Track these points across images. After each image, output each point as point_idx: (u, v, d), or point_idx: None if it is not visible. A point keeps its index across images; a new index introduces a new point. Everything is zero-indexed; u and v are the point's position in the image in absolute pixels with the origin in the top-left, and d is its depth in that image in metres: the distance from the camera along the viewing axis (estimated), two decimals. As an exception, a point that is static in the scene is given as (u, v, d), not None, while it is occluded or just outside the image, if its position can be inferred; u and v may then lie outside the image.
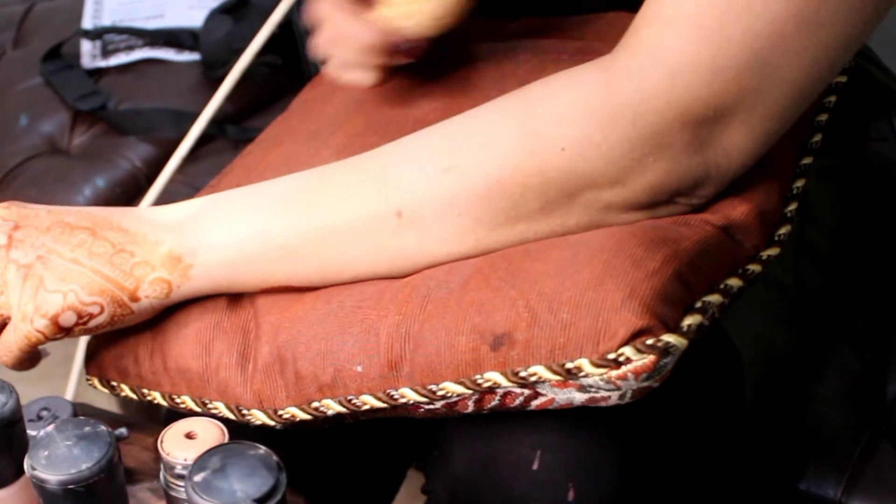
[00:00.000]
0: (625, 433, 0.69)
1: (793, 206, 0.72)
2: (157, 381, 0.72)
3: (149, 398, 0.73)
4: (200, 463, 0.53)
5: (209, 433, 0.61)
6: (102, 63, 1.49)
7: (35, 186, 1.39)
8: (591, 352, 0.59)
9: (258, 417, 0.68)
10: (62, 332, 0.68)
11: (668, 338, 0.59)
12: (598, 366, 0.59)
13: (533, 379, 0.61)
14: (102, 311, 0.68)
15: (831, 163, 0.90)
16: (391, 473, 0.95)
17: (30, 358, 0.70)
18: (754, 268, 0.67)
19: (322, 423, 0.69)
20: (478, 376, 0.62)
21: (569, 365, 0.60)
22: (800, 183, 0.73)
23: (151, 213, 0.71)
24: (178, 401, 0.72)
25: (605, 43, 0.69)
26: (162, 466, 0.60)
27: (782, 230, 0.70)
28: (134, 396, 0.74)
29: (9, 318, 0.69)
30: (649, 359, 0.58)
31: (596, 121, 0.63)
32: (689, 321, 0.61)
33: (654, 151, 0.63)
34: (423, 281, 0.66)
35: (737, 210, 0.67)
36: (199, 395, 0.70)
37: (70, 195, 1.38)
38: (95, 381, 0.75)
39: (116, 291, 0.67)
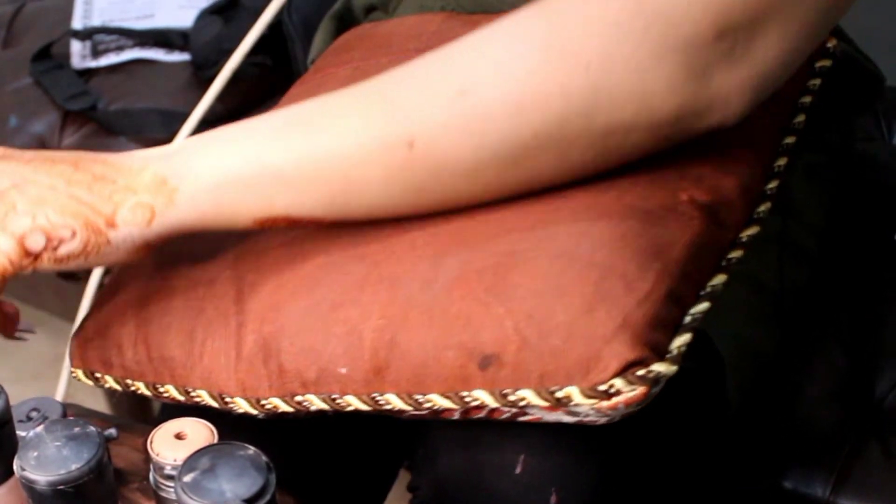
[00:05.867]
0: (608, 439, 0.68)
1: (774, 184, 0.70)
2: (140, 371, 0.71)
3: (133, 388, 0.72)
4: (190, 463, 0.53)
5: (199, 434, 0.61)
6: (92, 63, 1.49)
7: (25, 187, 1.39)
8: (581, 380, 0.58)
9: (241, 406, 0.68)
10: (29, 257, 0.64)
11: (659, 367, 0.58)
12: (588, 396, 0.58)
13: (522, 404, 0.60)
14: (74, 235, 0.64)
15: (817, 159, 0.90)
16: (382, 473, 0.95)
17: None
18: (736, 254, 0.66)
19: (305, 415, 0.68)
20: (465, 393, 0.61)
21: (558, 394, 0.59)
22: (782, 161, 0.71)
23: (137, 151, 0.68)
24: (161, 390, 0.71)
25: None
26: (151, 467, 0.60)
27: (762, 207, 0.68)
28: (118, 387, 0.73)
29: None
30: (640, 390, 0.57)
31: (625, 33, 0.59)
32: (679, 342, 0.60)
33: (685, 65, 0.60)
34: (404, 275, 0.64)
35: (723, 183, 0.66)
36: (183, 384, 0.70)
37: (60, 195, 1.37)
38: (80, 374, 0.75)
39: (91, 216, 0.64)
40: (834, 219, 0.96)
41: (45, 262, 0.65)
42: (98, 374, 0.74)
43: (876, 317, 0.99)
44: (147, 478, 0.62)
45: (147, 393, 0.72)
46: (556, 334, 0.58)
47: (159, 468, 0.59)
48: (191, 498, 0.52)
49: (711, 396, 0.80)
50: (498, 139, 0.61)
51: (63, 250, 0.64)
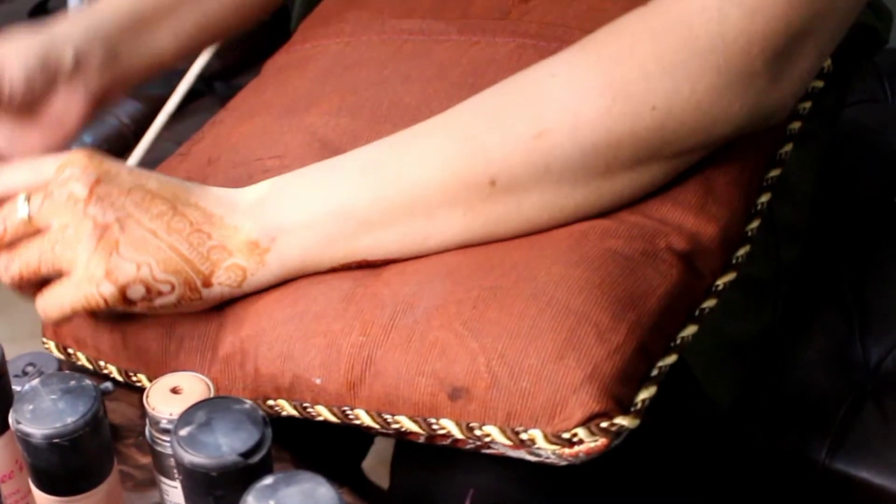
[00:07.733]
0: (557, 482, 0.69)
1: (755, 224, 0.71)
2: (114, 356, 0.71)
3: (105, 371, 0.73)
4: (186, 417, 0.53)
5: (195, 388, 0.60)
6: (89, 19, 1.48)
7: (21, 143, 1.38)
8: (546, 425, 0.59)
9: None
10: (125, 303, 0.65)
11: (622, 420, 0.59)
12: (551, 442, 0.59)
13: (487, 439, 0.61)
14: (172, 290, 0.65)
15: (809, 126, 0.88)
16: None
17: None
18: (709, 304, 0.67)
19: (276, 419, 0.68)
20: (433, 420, 0.62)
21: (523, 435, 0.60)
22: (764, 198, 0.73)
23: (226, 193, 0.68)
24: (133, 378, 0.71)
25: (586, 32, 0.66)
26: (147, 421, 0.60)
27: (741, 251, 0.70)
28: (90, 366, 0.73)
29: (65, 273, 0.66)
30: (601, 442, 0.58)
31: (684, 73, 0.62)
32: (644, 395, 0.61)
33: (740, 95, 0.63)
34: (389, 297, 0.64)
35: (705, 231, 0.67)
36: (156, 376, 0.69)
37: (57, 152, 1.37)
38: (52, 346, 0.74)
39: (191, 274, 0.65)
40: (826, 181, 0.95)
41: (138, 308, 0.66)
42: (70, 350, 0.73)
43: (875, 280, 0.99)
44: (143, 433, 0.62)
45: (118, 378, 0.72)
46: (526, 377, 0.59)
47: (155, 422, 0.59)
48: (186, 451, 0.51)
49: (689, 409, 0.81)
50: (574, 176, 0.64)
51: (158, 302, 0.66)
